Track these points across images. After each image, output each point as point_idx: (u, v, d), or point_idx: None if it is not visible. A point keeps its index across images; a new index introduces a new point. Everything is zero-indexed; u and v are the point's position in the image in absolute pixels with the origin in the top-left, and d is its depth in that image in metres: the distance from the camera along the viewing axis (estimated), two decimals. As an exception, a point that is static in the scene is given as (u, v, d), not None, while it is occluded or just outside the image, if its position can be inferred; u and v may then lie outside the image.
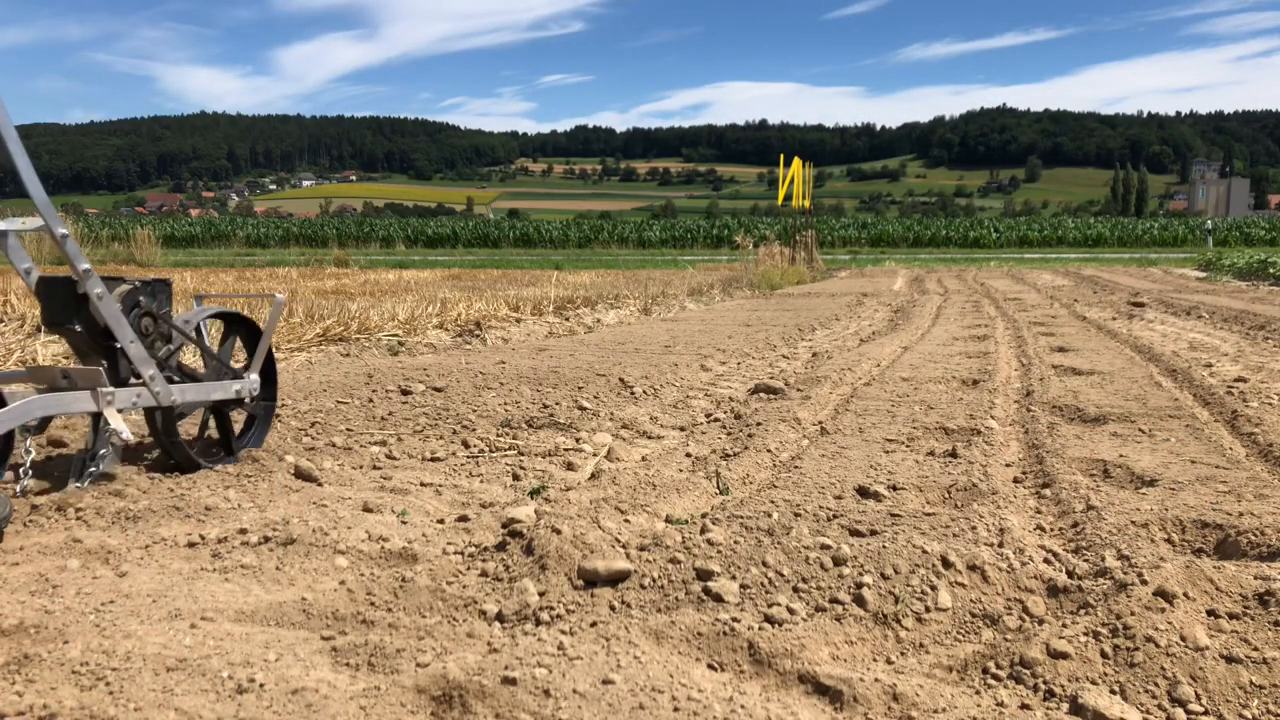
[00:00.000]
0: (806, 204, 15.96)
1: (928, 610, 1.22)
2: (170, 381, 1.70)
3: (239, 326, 1.91)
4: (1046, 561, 1.36)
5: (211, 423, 1.88)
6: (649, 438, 2.57)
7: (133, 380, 1.65)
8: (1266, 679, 1.06)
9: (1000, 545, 1.40)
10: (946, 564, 1.30)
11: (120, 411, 1.59)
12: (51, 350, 3.43)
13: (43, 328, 1.95)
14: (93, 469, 1.64)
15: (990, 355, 4.14)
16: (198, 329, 1.80)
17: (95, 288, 1.62)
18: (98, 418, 1.61)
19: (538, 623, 1.22)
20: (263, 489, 1.79)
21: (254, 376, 1.88)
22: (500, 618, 1.24)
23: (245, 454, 1.84)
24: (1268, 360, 3.89)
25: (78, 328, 1.61)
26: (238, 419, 1.96)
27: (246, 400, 1.87)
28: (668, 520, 1.67)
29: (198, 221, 44.09)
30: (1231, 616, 1.17)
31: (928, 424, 2.58)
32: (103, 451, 1.66)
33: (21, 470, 1.59)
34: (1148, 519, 1.66)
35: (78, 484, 1.67)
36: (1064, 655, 1.09)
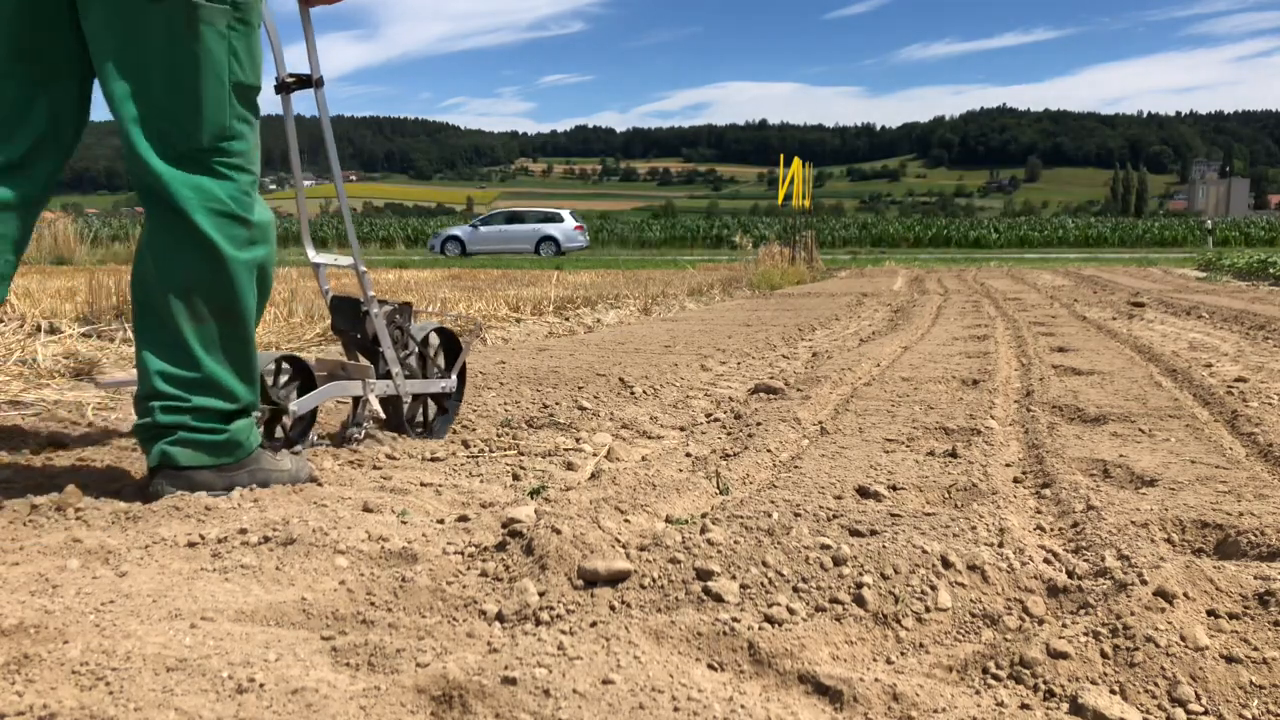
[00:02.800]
0: (806, 204, 15.96)
1: (928, 610, 1.22)
2: (406, 378, 2.32)
3: (444, 338, 2.53)
4: (1046, 561, 1.36)
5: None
6: (649, 438, 2.57)
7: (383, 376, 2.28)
8: (1266, 679, 1.06)
9: (1000, 545, 1.40)
10: (946, 564, 1.30)
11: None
12: (51, 350, 3.43)
13: (331, 331, 2.81)
14: (356, 435, 2.26)
15: (990, 355, 4.14)
16: (425, 339, 2.42)
17: (373, 307, 2.22)
18: (357, 400, 2.25)
19: (538, 623, 1.22)
20: (262, 488, 1.79)
21: (454, 378, 2.50)
22: (500, 618, 1.24)
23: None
24: (1268, 360, 3.89)
25: (359, 335, 2.24)
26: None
27: (447, 394, 2.52)
28: (668, 520, 1.67)
29: None
30: (1231, 616, 1.17)
31: (928, 424, 2.58)
32: (364, 424, 2.26)
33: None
34: (1148, 519, 1.66)
35: (348, 445, 2.24)
36: (1064, 655, 1.09)
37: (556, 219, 27.30)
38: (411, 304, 2.40)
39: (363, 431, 2.27)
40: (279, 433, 2.09)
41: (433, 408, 2.51)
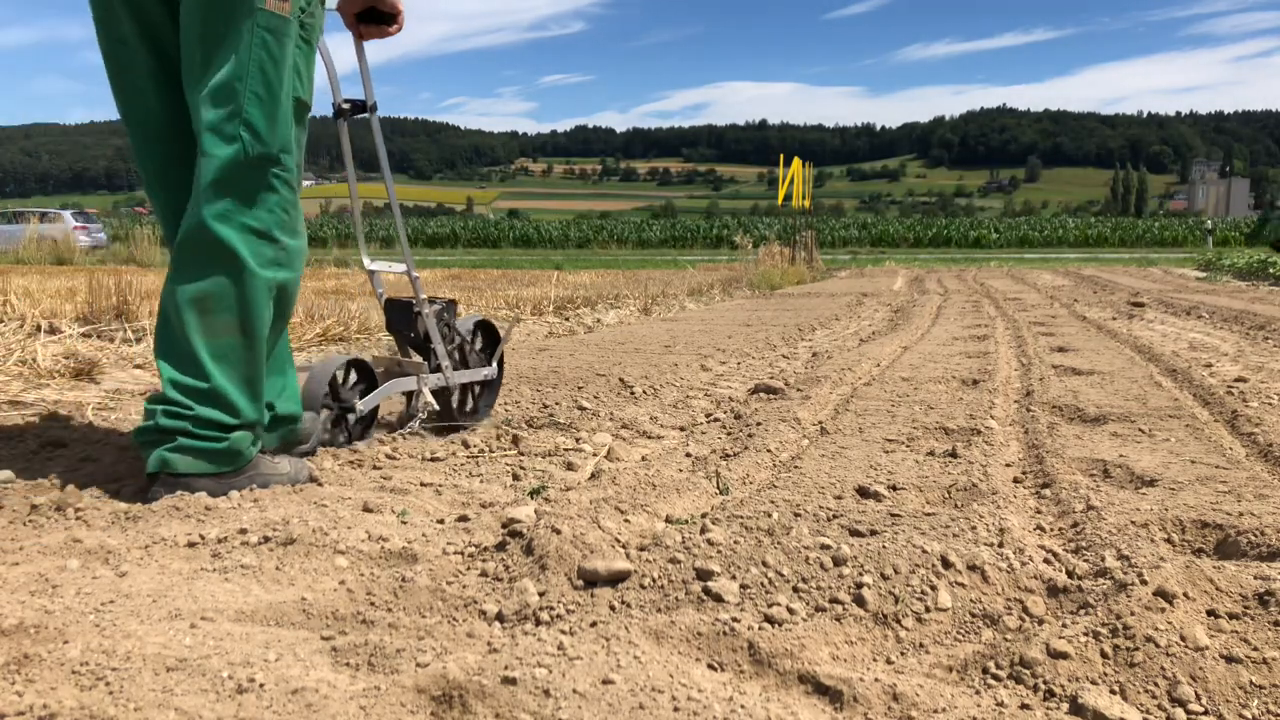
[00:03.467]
0: (806, 204, 15.95)
1: (928, 610, 1.22)
2: (453, 369, 2.50)
3: (485, 329, 2.73)
4: (1046, 561, 1.36)
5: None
6: (649, 438, 2.57)
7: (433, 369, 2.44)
8: (1266, 679, 1.06)
9: (1000, 545, 1.40)
10: (946, 564, 1.30)
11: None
12: (51, 350, 3.43)
13: (386, 331, 2.92)
14: (412, 426, 2.40)
15: (990, 355, 4.14)
16: (468, 332, 2.60)
17: (425, 308, 2.39)
18: (410, 394, 2.41)
19: (538, 623, 1.22)
20: (263, 488, 1.79)
21: (494, 367, 2.69)
22: (500, 618, 1.24)
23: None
24: (1268, 360, 3.89)
25: (412, 334, 2.40)
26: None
27: (490, 382, 2.72)
28: (668, 520, 1.67)
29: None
30: (1231, 616, 1.17)
31: (928, 424, 2.58)
32: (419, 416, 2.40)
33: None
34: (1148, 519, 1.66)
35: (401, 433, 2.40)
36: (1064, 655, 1.09)
37: (56, 218, 26.16)
38: (456, 301, 2.61)
39: (418, 422, 2.42)
40: (344, 430, 2.27)
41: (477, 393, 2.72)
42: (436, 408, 2.45)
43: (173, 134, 1.69)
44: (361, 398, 2.27)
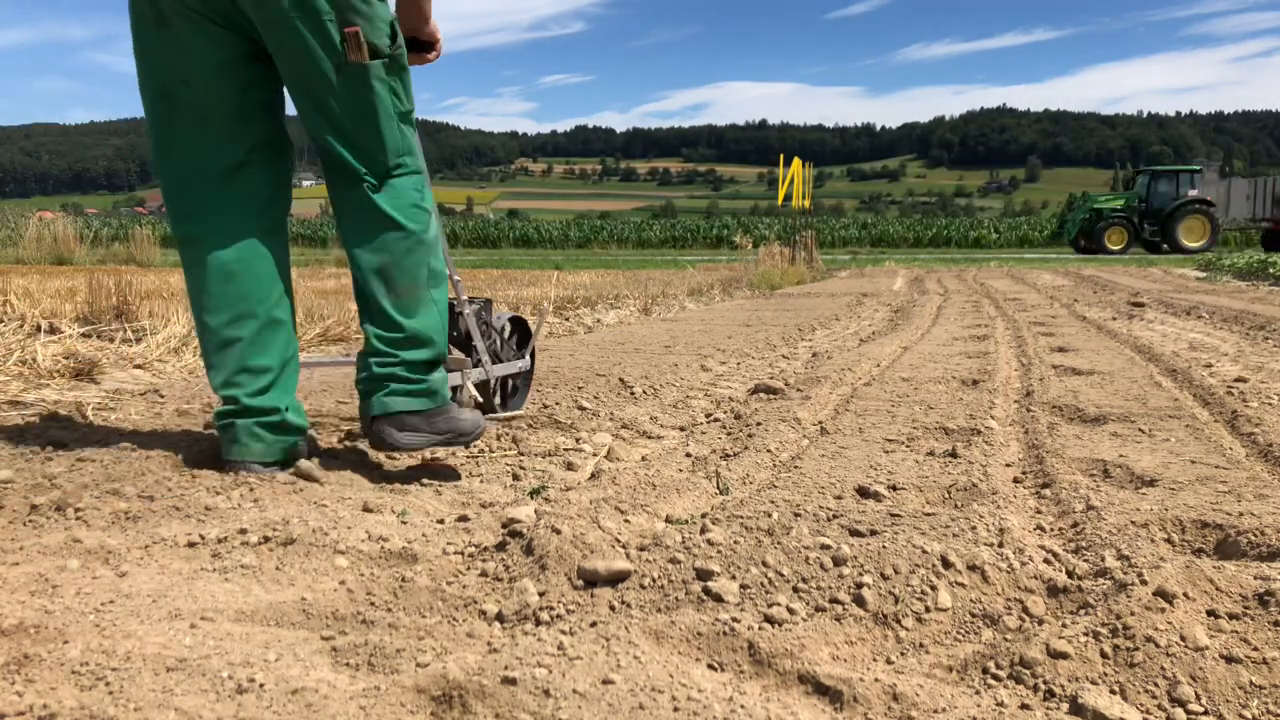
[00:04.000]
0: (806, 204, 15.95)
1: (928, 610, 1.22)
2: (492, 363, 2.59)
3: (518, 324, 2.85)
4: (1046, 561, 1.36)
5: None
6: (649, 438, 2.57)
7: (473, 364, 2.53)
8: (1266, 679, 1.06)
9: (1000, 545, 1.40)
10: (946, 564, 1.30)
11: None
12: (51, 350, 3.43)
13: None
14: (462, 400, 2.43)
15: (990, 355, 4.14)
16: (503, 327, 2.73)
17: (466, 308, 2.49)
18: (454, 388, 2.39)
19: (537, 623, 1.22)
20: (263, 489, 1.80)
21: (527, 359, 2.80)
22: (500, 618, 1.24)
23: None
24: (1268, 360, 3.89)
25: (454, 333, 2.47)
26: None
27: (524, 374, 2.85)
28: (668, 520, 1.67)
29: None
30: (1231, 616, 1.17)
31: (928, 424, 2.58)
32: (463, 408, 2.32)
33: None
34: (1148, 519, 1.66)
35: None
36: (1064, 655, 1.09)
37: None
38: (492, 300, 2.79)
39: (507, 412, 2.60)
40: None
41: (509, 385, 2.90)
42: (480, 400, 2.59)
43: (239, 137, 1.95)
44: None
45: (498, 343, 2.67)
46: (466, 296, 2.52)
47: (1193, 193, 25.90)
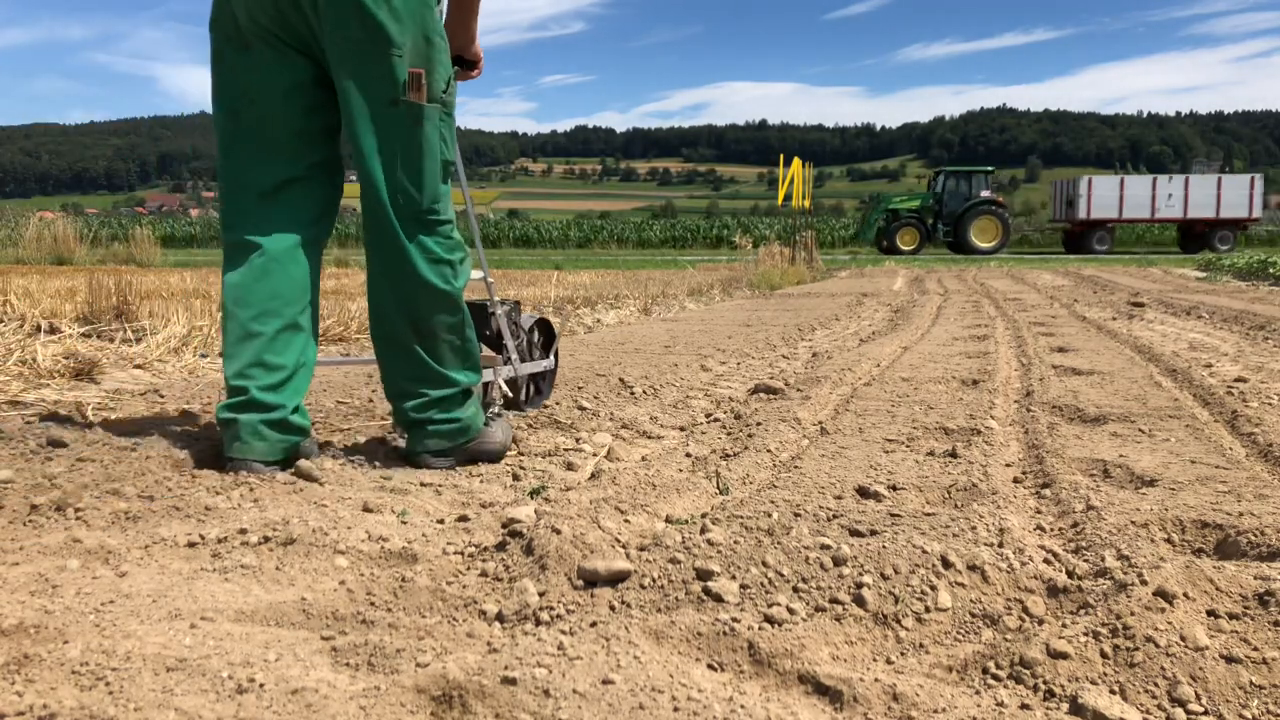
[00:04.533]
0: (806, 204, 15.95)
1: (928, 610, 1.22)
2: (520, 362, 2.72)
3: (543, 326, 2.98)
4: (1046, 561, 1.36)
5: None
6: (649, 438, 2.57)
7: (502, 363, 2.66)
8: (1266, 679, 1.06)
9: (1000, 545, 1.40)
10: (946, 564, 1.30)
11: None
12: (51, 350, 3.43)
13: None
14: (494, 411, 2.47)
15: (990, 355, 4.14)
16: (530, 328, 2.85)
17: (497, 309, 2.62)
18: (487, 384, 2.54)
19: (537, 623, 1.22)
20: (263, 489, 1.80)
21: (551, 359, 2.95)
22: (500, 618, 1.24)
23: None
24: (1268, 360, 3.89)
25: (487, 332, 2.61)
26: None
27: (548, 372, 2.99)
28: (668, 520, 1.67)
29: (198, 221, 44.09)
30: (1231, 616, 1.17)
31: (928, 424, 2.58)
32: (495, 404, 2.52)
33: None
34: (1148, 519, 1.66)
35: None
36: (1064, 655, 1.09)
37: None
38: (520, 301, 3.02)
39: (496, 408, 2.60)
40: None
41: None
42: (511, 395, 2.77)
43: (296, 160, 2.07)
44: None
45: (524, 343, 2.80)
46: (498, 298, 2.64)
47: (985, 193, 26.09)
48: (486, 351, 2.65)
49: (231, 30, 1.97)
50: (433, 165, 2.01)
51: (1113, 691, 1.05)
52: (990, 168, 28.15)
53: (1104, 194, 27.69)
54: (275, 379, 1.96)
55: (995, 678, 1.09)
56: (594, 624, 1.18)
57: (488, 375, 2.65)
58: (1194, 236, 27.77)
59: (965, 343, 4.76)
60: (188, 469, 1.96)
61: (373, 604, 1.27)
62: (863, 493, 1.87)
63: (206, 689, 0.98)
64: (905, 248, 25.96)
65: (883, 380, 3.41)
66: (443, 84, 2.00)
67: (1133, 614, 1.14)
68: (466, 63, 2.34)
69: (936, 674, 1.11)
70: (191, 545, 1.46)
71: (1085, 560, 1.40)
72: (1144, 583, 1.21)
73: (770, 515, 1.54)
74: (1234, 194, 27.25)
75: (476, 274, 2.59)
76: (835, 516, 1.59)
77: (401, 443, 2.33)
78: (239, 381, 1.94)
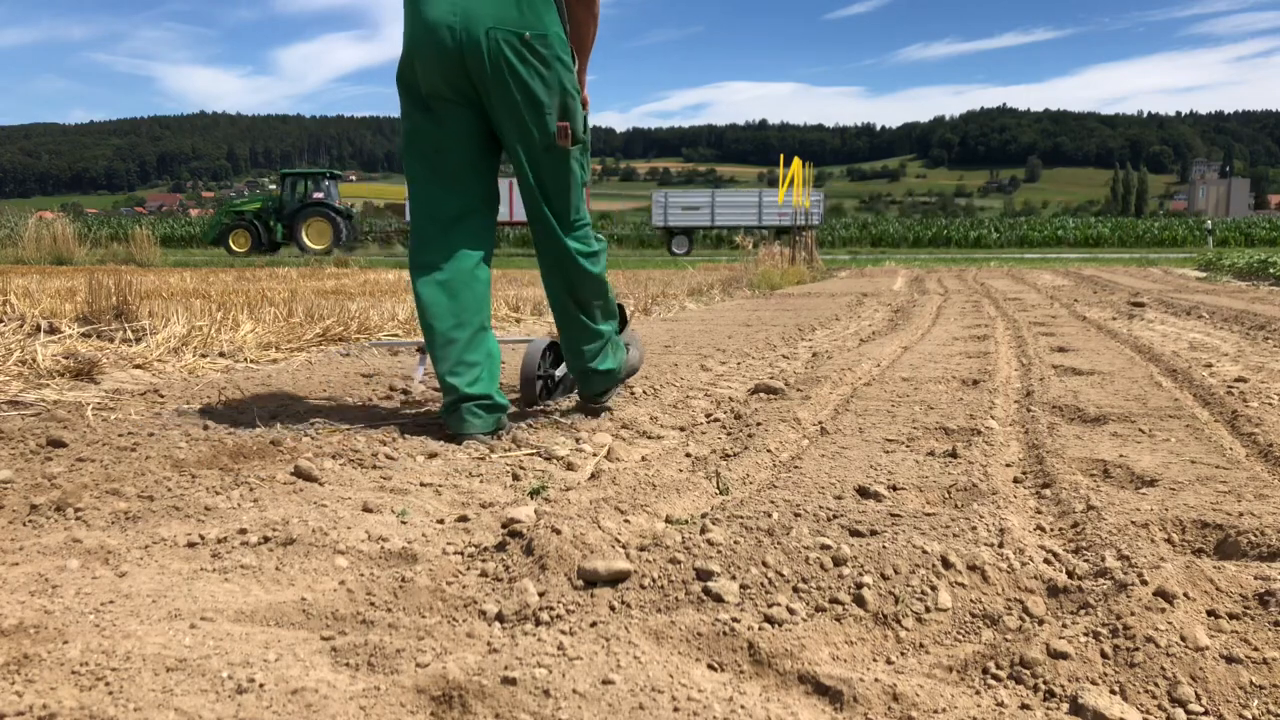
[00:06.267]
0: (806, 204, 15.95)
1: (928, 610, 1.22)
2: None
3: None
4: (1046, 562, 1.36)
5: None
6: (649, 438, 2.57)
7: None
8: (1266, 679, 1.06)
9: (1000, 545, 1.40)
10: (946, 564, 1.30)
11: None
12: (51, 350, 3.43)
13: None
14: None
15: (990, 355, 4.14)
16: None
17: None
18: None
19: (537, 623, 1.22)
20: (263, 489, 1.80)
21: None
22: (500, 618, 1.24)
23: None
24: (1268, 360, 3.89)
25: None
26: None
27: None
28: (668, 520, 1.67)
29: (197, 221, 44.16)
30: (1231, 616, 1.17)
31: (928, 424, 2.58)
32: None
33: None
34: (1148, 519, 1.66)
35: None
36: (1064, 655, 1.09)
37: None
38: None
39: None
40: (547, 391, 3.03)
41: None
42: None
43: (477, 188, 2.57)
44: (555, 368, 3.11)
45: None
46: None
47: (317, 195, 25.94)
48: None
49: (416, 95, 2.44)
50: (578, 190, 2.57)
51: (1113, 691, 1.05)
52: (329, 170, 27.79)
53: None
54: (474, 375, 2.43)
55: (995, 678, 1.09)
56: (594, 624, 1.18)
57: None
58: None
59: (965, 342, 4.76)
60: (188, 469, 1.96)
61: (373, 604, 1.27)
62: (863, 493, 1.87)
63: (206, 689, 0.98)
64: (237, 249, 25.23)
65: (883, 380, 3.41)
66: (581, 128, 2.52)
67: (1133, 614, 1.14)
68: None
69: (937, 674, 1.11)
70: (191, 545, 1.46)
71: (1085, 560, 1.40)
72: (1144, 583, 1.21)
73: (770, 515, 1.54)
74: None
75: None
76: (835, 516, 1.59)
77: (401, 443, 2.34)
78: (451, 380, 2.42)
